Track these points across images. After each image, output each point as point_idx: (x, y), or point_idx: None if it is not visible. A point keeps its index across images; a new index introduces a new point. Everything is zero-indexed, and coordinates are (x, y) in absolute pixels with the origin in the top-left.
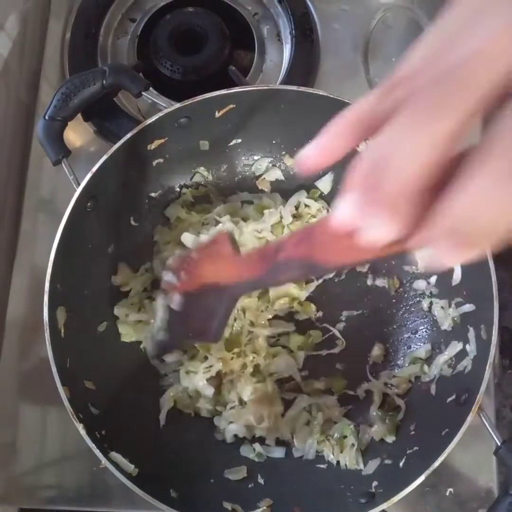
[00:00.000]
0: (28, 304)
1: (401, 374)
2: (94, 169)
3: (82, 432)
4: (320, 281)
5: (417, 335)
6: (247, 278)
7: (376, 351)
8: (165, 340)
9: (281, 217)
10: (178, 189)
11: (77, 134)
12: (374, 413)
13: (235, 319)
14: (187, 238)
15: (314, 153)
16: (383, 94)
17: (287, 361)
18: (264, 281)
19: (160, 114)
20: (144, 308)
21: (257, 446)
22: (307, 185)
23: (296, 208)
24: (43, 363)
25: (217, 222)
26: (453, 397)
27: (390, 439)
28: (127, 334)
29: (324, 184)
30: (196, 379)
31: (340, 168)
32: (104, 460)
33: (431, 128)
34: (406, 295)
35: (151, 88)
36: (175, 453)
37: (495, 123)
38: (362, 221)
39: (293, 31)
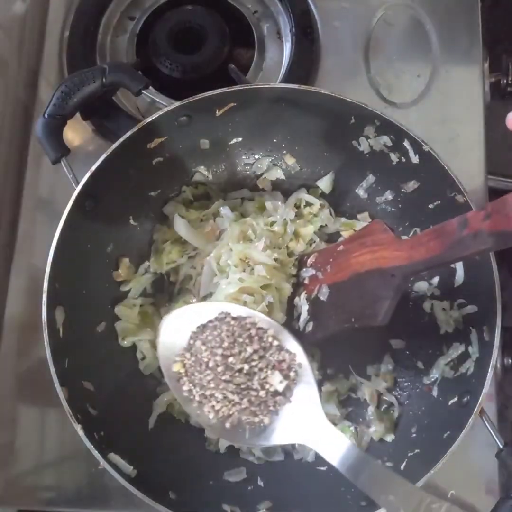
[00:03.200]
0: (26, 304)
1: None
2: (93, 168)
3: (81, 433)
4: None
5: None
6: (420, 258)
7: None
8: (313, 329)
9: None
10: (178, 188)
11: (75, 133)
12: (371, 413)
13: None
14: (179, 223)
15: None
16: None
17: None
18: (443, 258)
19: (160, 112)
20: (149, 317)
21: (256, 450)
22: (308, 184)
23: (297, 207)
24: (42, 364)
25: (216, 215)
26: (455, 399)
27: (389, 438)
28: (126, 336)
29: (325, 184)
30: None
31: (340, 168)
32: (102, 461)
33: None
34: (407, 297)
35: (150, 87)
36: (174, 455)
37: None
38: None
39: (294, 29)
